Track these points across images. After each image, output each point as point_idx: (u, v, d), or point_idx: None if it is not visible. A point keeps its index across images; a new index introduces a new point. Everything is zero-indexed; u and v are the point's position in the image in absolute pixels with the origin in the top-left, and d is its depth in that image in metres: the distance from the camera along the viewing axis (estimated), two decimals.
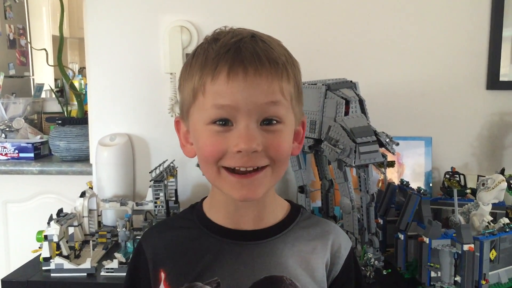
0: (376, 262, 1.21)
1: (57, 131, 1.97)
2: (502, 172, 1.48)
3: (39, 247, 1.32)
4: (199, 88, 0.75)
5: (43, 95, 2.79)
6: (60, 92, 2.42)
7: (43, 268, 1.29)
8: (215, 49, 0.74)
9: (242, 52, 0.72)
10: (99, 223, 1.56)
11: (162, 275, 0.80)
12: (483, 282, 1.13)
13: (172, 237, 0.84)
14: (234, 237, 0.81)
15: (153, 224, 1.44)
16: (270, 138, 0.74)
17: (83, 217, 1.51)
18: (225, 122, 0.73)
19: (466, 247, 1.11)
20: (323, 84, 1.29)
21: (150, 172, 1.52)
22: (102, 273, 1.27)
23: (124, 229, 1.40)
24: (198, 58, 0.76)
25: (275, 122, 0.74)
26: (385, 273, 1.24)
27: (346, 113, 1.23)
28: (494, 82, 1.68)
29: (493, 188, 1.26)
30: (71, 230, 1.46)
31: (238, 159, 0.73)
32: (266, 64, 0.73)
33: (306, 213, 0.87)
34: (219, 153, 0.74)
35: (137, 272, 0.86)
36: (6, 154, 2.02)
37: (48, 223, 1.33)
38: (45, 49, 2.06)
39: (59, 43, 1.88)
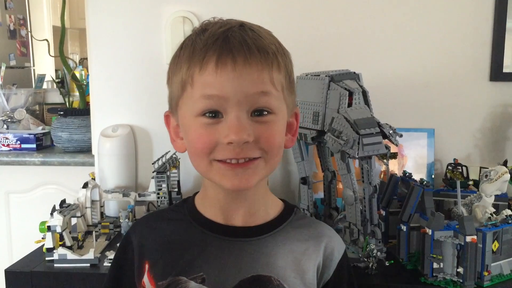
0: (378, 253, 1.21)
1: (59, 122, 1.97)
2: (505, 163, 1.48)
3: (42, 238, 1.33)
4: (187, 79, 0.73)
5: (44, 85, 2.79)
6: (60, 83, 2.42)
7: (47, 258, 1.29)
8: (203, 40, 0.72)
9: (230, 41, 0.70)
10: (102, 214, 1.56)
11: (146, 266, 0.79)
12: (485, 273, 1.13)
13: (160, 229, 0.82)
14: (222, 232, 0.79)
15: None
16: (261, 129, 0.72)
17: (85, 208, 1.51)
18: (214, 114, 0.72)
19: (468, 239, 1.11)
20: (326, 76, 1.28)
21: (152, 163, 1.52)
22: (105, 264, 1.27)
23: (127, 220, 1.41)
24: (186, 49, 0.74)
25: (266, 113, 0.72)
26: (387, 264, 1.24)
27: (350, 105, 1.22)
28: (497, 73, 1.67)
29: (496, 180, 1.26)
30: (73, 220, 1.46)
31: (230, 151, 0.71)
32: (256, 53, 0.70)
33: (300, 213, 0.85)
34: (210, 145, 0.72)
35: (122, 262, 0.84)
36: (8, 145, 2.03)
37: (51, 214, 1.33)
38: (47, 40, 2.05)
39: (61, 34, 1.88)
